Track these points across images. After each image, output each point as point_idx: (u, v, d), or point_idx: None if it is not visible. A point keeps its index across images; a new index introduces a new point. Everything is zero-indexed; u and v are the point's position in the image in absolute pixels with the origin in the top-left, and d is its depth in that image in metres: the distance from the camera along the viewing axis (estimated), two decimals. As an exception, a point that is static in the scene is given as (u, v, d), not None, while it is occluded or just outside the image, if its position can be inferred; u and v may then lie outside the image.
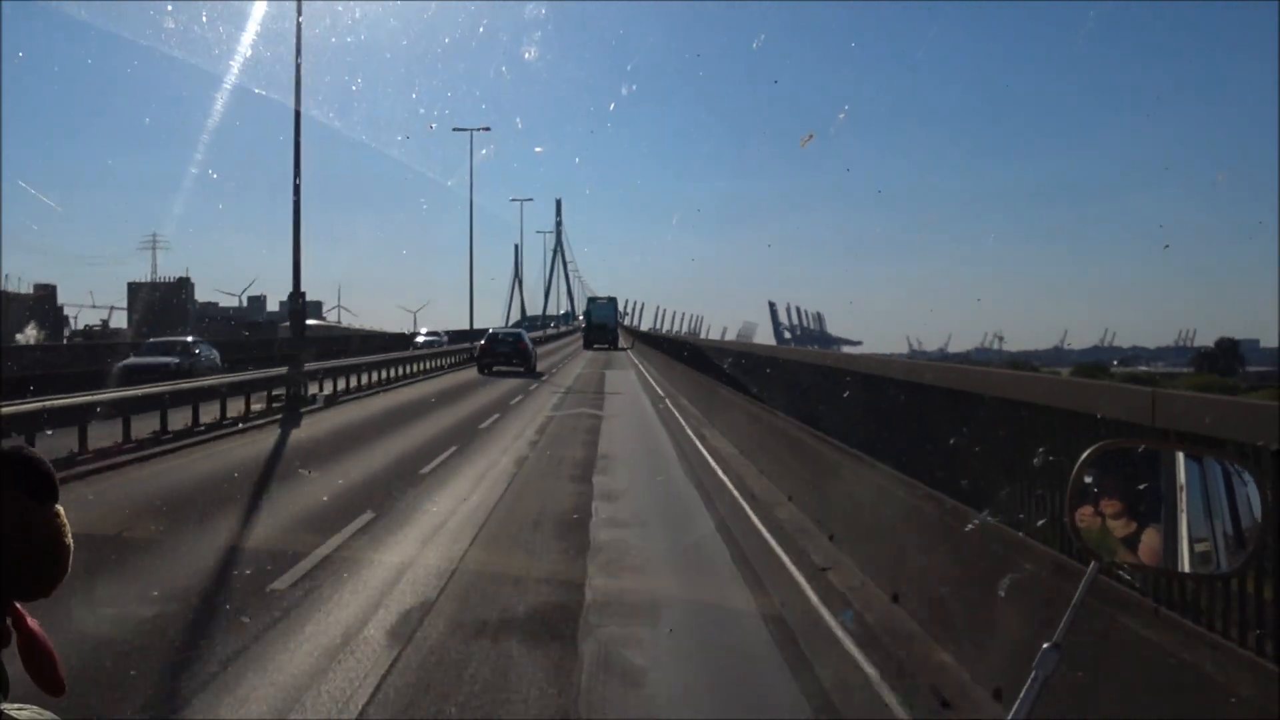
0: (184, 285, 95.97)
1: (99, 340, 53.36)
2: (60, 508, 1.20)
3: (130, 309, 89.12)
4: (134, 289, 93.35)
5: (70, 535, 1.20)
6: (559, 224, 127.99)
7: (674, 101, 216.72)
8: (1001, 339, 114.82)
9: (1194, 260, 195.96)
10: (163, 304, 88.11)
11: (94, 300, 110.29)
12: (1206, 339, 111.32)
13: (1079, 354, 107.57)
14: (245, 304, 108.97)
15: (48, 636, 1.19)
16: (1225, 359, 71.08)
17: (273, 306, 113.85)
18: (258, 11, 27.22)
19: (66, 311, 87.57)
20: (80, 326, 79.17)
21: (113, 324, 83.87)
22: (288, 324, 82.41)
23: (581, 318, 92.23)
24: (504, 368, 32.67)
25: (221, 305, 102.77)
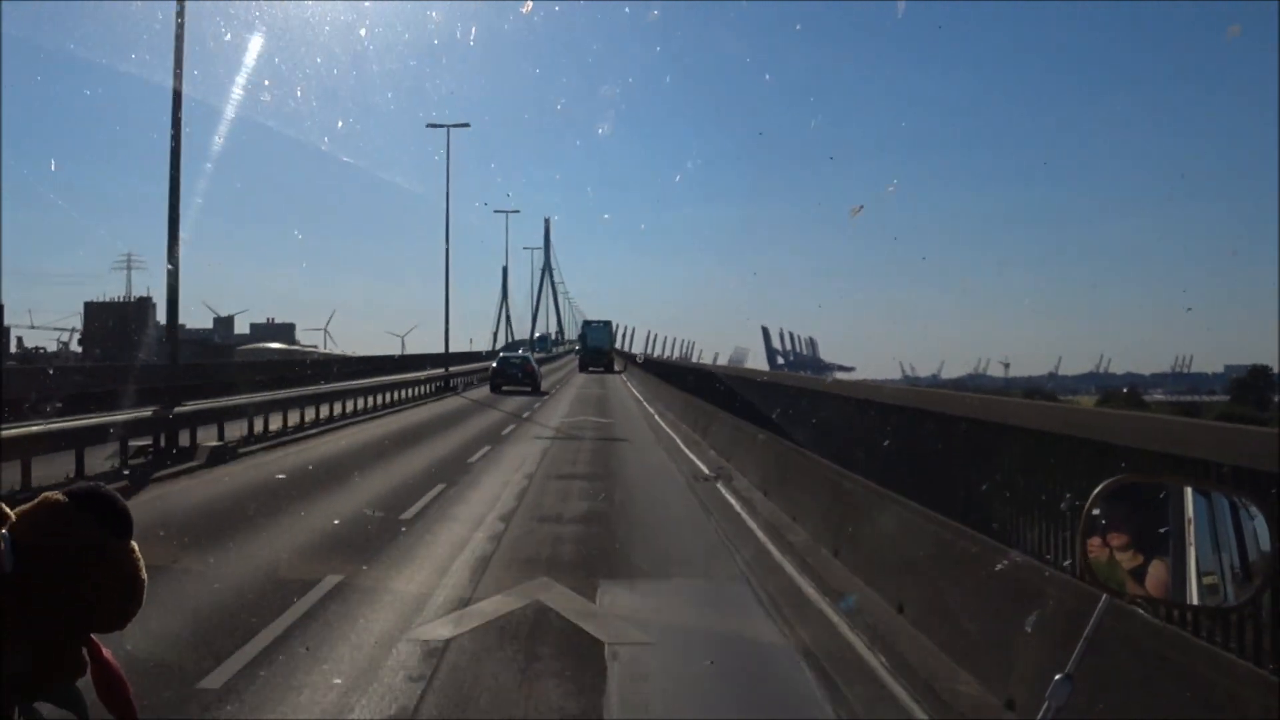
0: (145, 305, 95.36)
1: (38, 363, 52.50)
2: (135, 544, 1.33)
3: (86, 329, 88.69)
4: (91, 309, 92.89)
5: (144, 570, 1.32)
6: (547, 245, 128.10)
7: (667, 129, 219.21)
8: (1007, 365, 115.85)
9: (1187, 286, 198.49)
10: (123, 325, 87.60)
11: (33, 320, 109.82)
12: (1202, 366, 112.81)
13: (1074, 380, 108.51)
14: (212, 326, 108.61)
15: (120, 666, 1.32)
16: (1259, 387, 68.97)
17: (242, 329, 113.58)
18: (255, 46, 27.51)
19: (15, 332, 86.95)
20: (19, 348, 78.53)
21: (74, 346, 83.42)
22: (252, 346, 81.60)
23: (576, 340, 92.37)
24: (512, 387, 37.99)
25: (190, 327, 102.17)
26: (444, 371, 40.23)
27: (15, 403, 15.33)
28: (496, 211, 55.23)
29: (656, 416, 27.02)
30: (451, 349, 59.24)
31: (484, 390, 38.34)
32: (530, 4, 46.30)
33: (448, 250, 43.08)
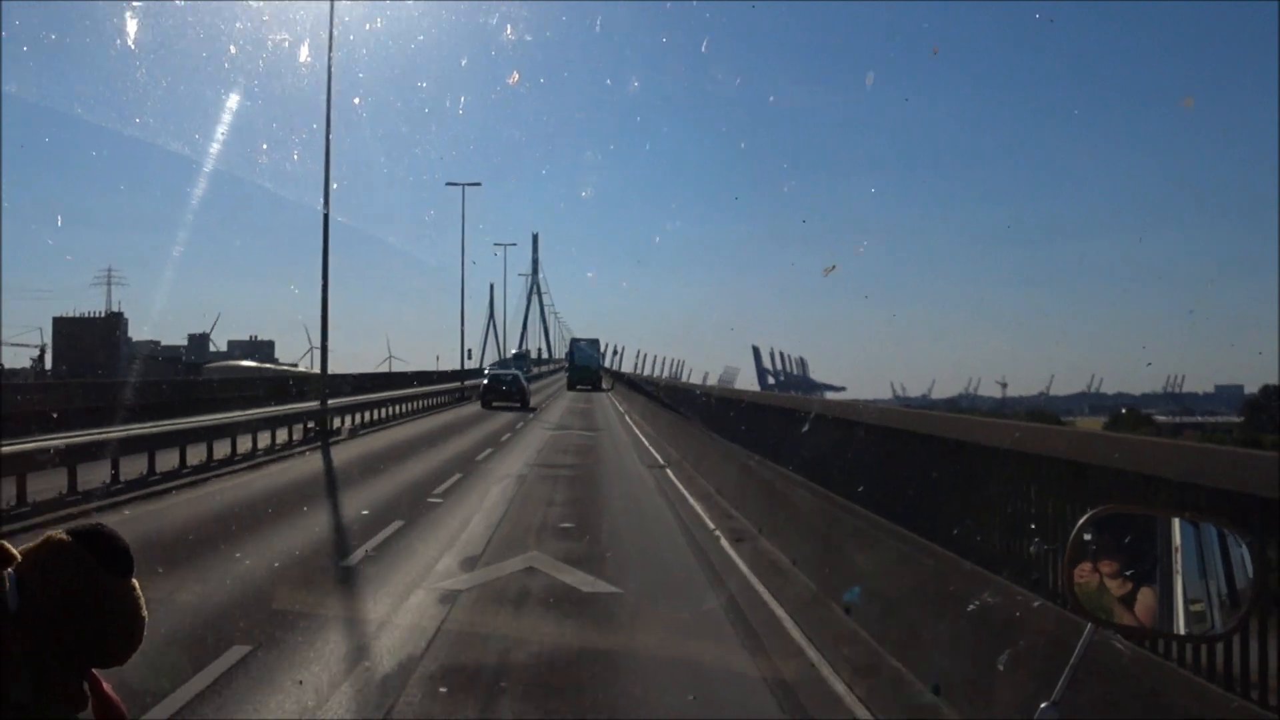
0: (116, 321, 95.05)
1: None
2: (135, 581, 1.39)
3: (55, 345, 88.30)
4: (60, 324, 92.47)
5: (145, 608, 1.39)
6: (535, 261, 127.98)
7: (658, 145, 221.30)
8: (1004, 385, 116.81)
9: (1176, 306, 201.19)
10: (92, 340, 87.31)
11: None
12: (1193, 385, 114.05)
13: (1065, 400, 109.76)
14: (186, 342, 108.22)
15: (120, 700, 1.39)
16: (1274, 409, 66.60)
17: (221, 346, 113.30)
18: (232, 102, 27.48)
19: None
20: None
21: (44, 363, 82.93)
22: (221, 364, 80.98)
23: (564, 358, 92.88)
24: (502, 403, 39.50)
25: (165, 344, 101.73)
26: (318, 406, 25.69)
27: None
28: (449, 184, 50.59)
29: (733, 553, 10.79)
30: (419, 368, 57.05)
31: (387, 435, 26.29)
32: (517, 75, 47.08)
33: (326, 241, 28.24)
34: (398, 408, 33.48)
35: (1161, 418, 75.66)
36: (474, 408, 39.83)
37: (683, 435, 20.55)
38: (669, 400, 26.57)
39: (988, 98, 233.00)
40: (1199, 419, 78.71)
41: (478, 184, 49.79)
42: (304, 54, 25.33)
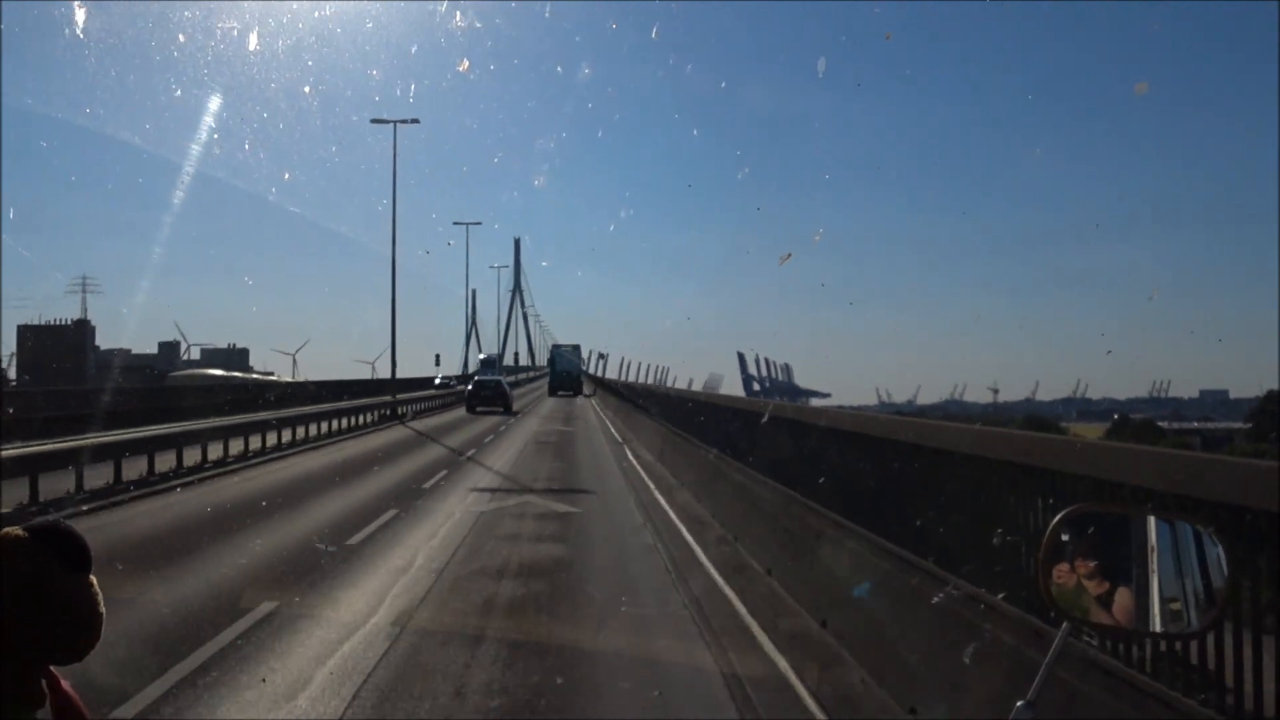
0: (83, 329, 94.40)
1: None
2: (93, 578, 1.41)
3: (20, 354, 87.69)
4: (25, 333, 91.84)
5: (103, 604, 1.40)
6: (517, 266, 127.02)
7: (639, 156, 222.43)
8: (995, 391, 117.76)
9: (1162, 311, 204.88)
10: (59, 349, 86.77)
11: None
12: (1179, 391, 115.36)
13: (1051, 406, 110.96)
14: (156, 351, 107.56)
15: (78, 697, 1.40)
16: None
17: (195, 355, 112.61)
18: (214, 104, 27.22)
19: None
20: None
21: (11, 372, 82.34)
22: (186, 373, 79.97)
23: (545, 364, 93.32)
24: (485, 408, 44.22)
25: (136, 352, 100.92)
26: None
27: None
28: (374, 121, 39.02)
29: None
30: (357, 375, 51.79)
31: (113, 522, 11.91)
32: (467, 62, 45.34)
33: None
34: (242, 444, 20.41)
35: (1161, 424, 75.61)
36: (394, 435, 30.61)
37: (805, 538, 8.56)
38: (701, 423, 16.48)
39: (975, 108, 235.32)
40: (1195, 424, 79.11)
41: (415, 120, 39.90)
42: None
